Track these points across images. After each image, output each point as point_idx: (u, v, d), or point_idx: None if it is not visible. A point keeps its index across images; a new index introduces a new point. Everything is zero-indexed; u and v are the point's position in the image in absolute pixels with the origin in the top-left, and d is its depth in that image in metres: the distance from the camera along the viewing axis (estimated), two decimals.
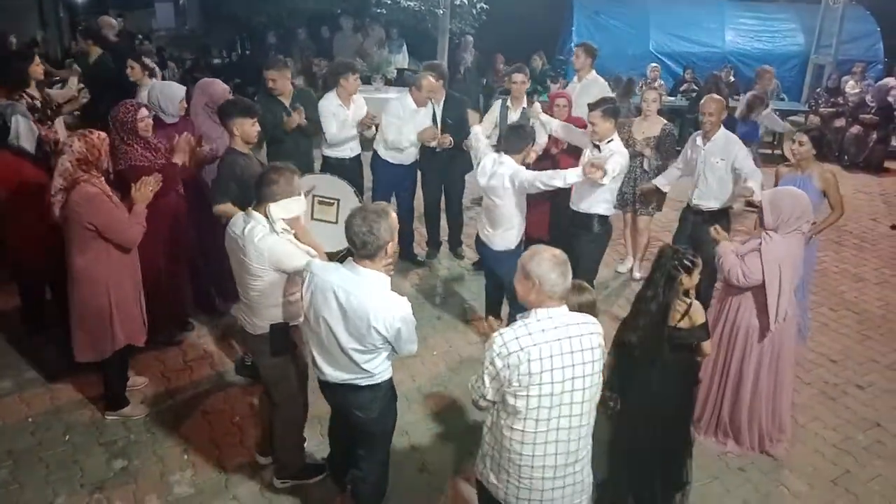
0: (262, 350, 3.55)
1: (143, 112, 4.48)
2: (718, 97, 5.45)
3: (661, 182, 5.76)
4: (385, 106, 6.09)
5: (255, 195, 3.41)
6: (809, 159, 5.00)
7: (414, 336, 3.00)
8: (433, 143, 5.84)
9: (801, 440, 4.39)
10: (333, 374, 3.06)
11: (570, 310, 2.81)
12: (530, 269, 2.60)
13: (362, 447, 3.29)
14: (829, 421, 4.62)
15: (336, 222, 4.50)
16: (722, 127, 5.32)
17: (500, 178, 4.64)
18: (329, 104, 5.83)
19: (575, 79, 6.88)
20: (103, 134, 4.03)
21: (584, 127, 5.83)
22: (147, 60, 6.83)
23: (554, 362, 2.54)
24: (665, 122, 6.12)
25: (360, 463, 3.32)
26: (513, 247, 4.82)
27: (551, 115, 5.73)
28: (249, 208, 3.40)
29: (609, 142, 4.89)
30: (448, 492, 3.89)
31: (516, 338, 2.55)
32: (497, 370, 2.57)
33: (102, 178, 4.00)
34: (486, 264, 5.22)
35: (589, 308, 3.23)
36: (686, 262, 3.43)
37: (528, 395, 2.55)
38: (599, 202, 4.95)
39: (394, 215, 2.91)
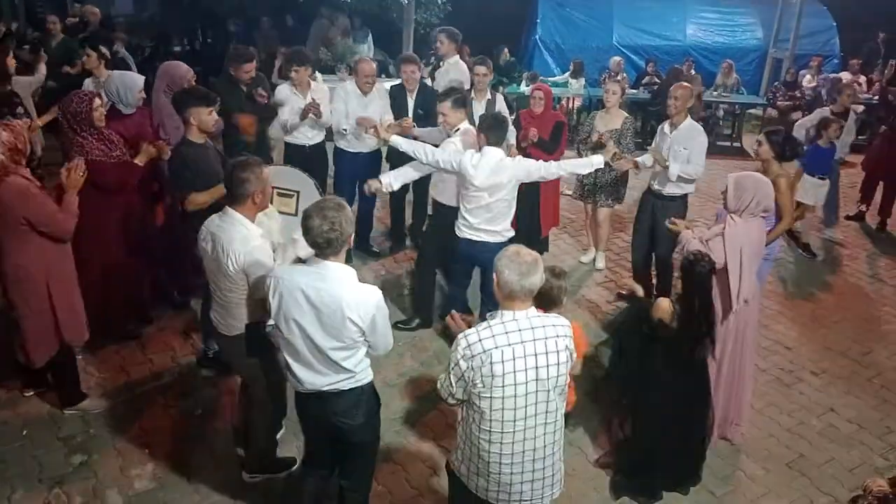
0: (238, 351, 3.49)
1: (97, 101, 4.36)
2: (687, 84, 5.56)
3: (642, 159, 5.64)
4: (332, 94, 6.13)
5: (228, 196, 3.34)
6: (769, 162, 4.82)
7: (389, 327, 2.97)
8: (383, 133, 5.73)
9: (756, 425, 4.50)
10: (314, 381, 2.95)
11: (541, 292, 2.89)
12: (496, 265, 2.64)
13: (350, 457, 3.18)
14: (784, 406, 4.74)
15: (295, 214, 4.47)
16: (689, 116, 5.41)
17: (506, 171, 4.50)
18: (282, 91, 5.91)
19: (443, 63, 6.91)
20: (22, 122, 3.88)
21: (557, 120, 5.91)
22: (103, 49, 6.67)
23: (517, 364, 2.56)
24: (626, 115, 6.20)
25: (348, 473, 3.23)
26: (512, 234, 4.77)
27: (531, 109, 5.98)
28: (227, 208, 3.33)
29: (456, 131, 4.90)
30: (414, 483, 3.91)
31: (480, 340, 2.57)
32: (462, 371, 2.60)
33: (28, 170, 3.84)
34: (479, 263, 4.89)
35: (555, 292, 3.41)
36: (708, 259, 3.55)
37: (491, 397, 2.59)
38: None
39: (348, 207, 2.89)
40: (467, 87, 6.21)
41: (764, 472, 4.13)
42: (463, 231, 4.71)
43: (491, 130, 4.49)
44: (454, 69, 6.59)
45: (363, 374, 3.01)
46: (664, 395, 3.72)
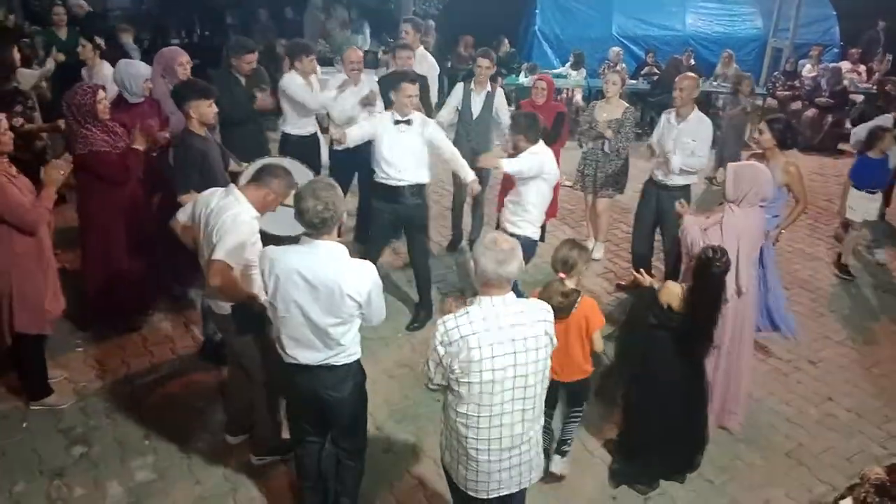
0: (230, 328, 3.53)
1: (102, 94, 4.38)
2: (693, 75, 5.54)
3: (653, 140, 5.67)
4: (325, 85, 6.12)
5: (254, 176, 3.41)
6: (773, 149, 4.82)
7: (382, 301, 3.04)
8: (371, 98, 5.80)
9: (755, 414, 4.51)
10: (309, 358, 3.01)
11: (553, 260, 3.50)
12: (473, 253, 2.66)
13: (339, 425, 3.24)
14: (783, 395, 4.75)
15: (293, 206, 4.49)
16: (696, 107, 5.40)
17: (534, 164, 4.57)
18: (295, 80, 5.83)
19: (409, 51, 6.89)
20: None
21: (558, 111, 5.91)
22: (99, 40, 6.64)
23: (495, 350, 2.57)
24: (627, 105, 6.20)
25: (340, 442, 3.30)
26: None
27: (532, 99, 5.99)
28: (231, 185, 3.38)
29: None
30: (414, 472, 3.92)
31: (457, 326, 2.59)
32: (440, 357, 2.63)
33: (6, 160, 3.79)
34: None
35: (570, 260, 3.57)
36: (724, 260, 3.52)
37: (469, 382, 2.60)
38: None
39: (338, 185, 2.93)
40: (434, 76, 6.30)
41: (762, 460, 4.14)
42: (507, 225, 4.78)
43: (529, 131, 4.58)
44: (422, 60, 6.61)
45: (353, 349, 3.08)
46: (663, 385, 3.73)
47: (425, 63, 6.58)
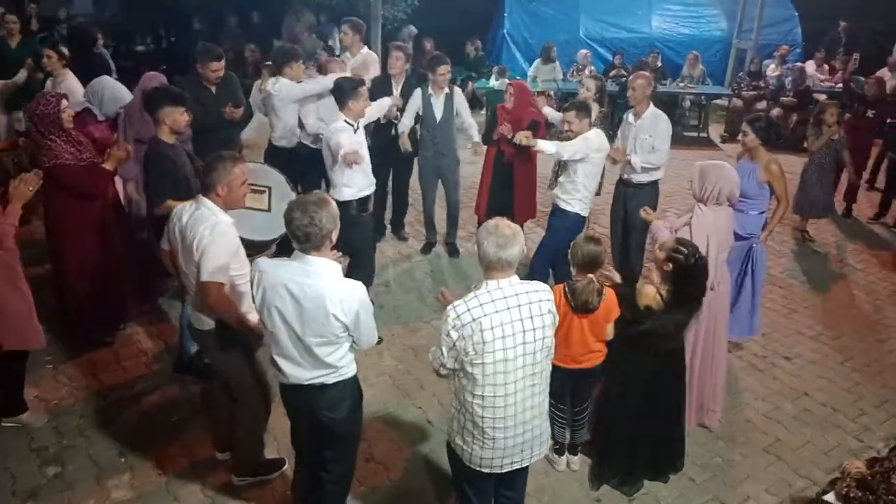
0: (212, 345, 3.45)
1: (65, 102, 4.29)
2: (645, 73, 5.67)
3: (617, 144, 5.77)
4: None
5: (202, 184, 3.33)
6: (757, 149, 4.89)
7: (373, 323, 2.98)
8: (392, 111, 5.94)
9: (733, 411, 4.56)
10: (298, 375, 2.95)
11: (580, 258, 3.59)
12: (477, 237, 2.76)
13: (331, 450, 3.16)
14: (759, 392, 4.81)
15: (268, 210, 4.46)
16: (651, 104, 5.48)
17: (580, 148, 4.97)
18: (287, 84, 5.75)
19: (347, 54, 6.89)
20: None
21: (533, 119, 5.99)
22: (63, 49, 6.50)
23: (505, 330, 2.67)
24: (601, 108, 6.24)
25: (329, 466, 3.20)
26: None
27: (506, 107, 5.95)
28: (199, 195, 3.30)
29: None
30: (402, 484, 3.89)
31: (468, 310, 2.67)
32: (453, 341, 2.70)
33: None
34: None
35: (598, 256, 3.62)
36: (698, 258, 3.56)
37: (483, 363, 2.69)
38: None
39: (334, 203, 2.87)
40: (373, 76, 6.34)
41: (742, 457, 4.19)
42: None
43: (580, 111, 5.07)
44: (367, 59, 6.65)
45: (347, 369, 3.02)
46: (642, 384, 3.75)
47: (370, 60, 6.66)
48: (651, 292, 3.65)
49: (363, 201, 4.99)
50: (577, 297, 3.54)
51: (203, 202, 3.27)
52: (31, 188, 3.76)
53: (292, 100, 5.76)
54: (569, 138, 5.09)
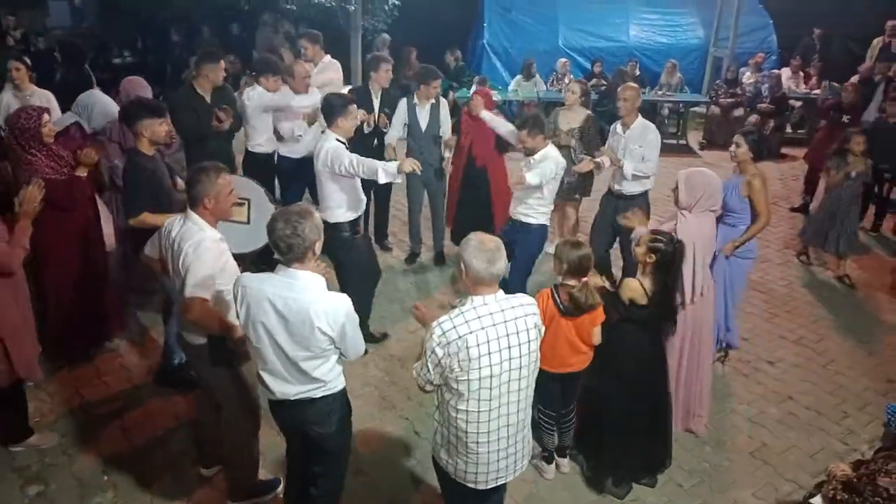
0: (203, 360, 3.40)
1: (46, 117, 4.23)
2: (634, 85, 5.70)
3: (602, 160, 5.75)
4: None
5: (188, 196, 3.27)
6: (747, 161, 4.81)
7: (360, 335, 2.96)
8: (365, 124, 5.87)
9: (718, 416, 4.59)
10: (285, 391, 2.92)
11: (569, 263, 3.55)
12: (461, 254, 2.71)
13: (321, 465, 3.14)
14: (744, 396, 4.85)
15: (247, 222, 4.44)
16: (639, 115, 5.53)
17: (548, 168, 4.93)
18: (261, 93, 5.84)
19: (311, 64, 6.85)
20: None
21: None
22: (27, 62, 6.38)
23: (491, 346, 2.65)
24: (589, 112, 6.29)
25: (318, 480, 3.17)
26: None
27: (473, 114, 5.99)
28: (188, 209, 3.26)
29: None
30: (385, 493, 3.86)
31: (454, 327, 2.64)
32: (439, 358, 2.67)
33: None
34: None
35: (587, 260, 3.59)
36: (676, 243, 3.69)
37: (468, 379, 2.66)
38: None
39: (318, 214, 2.85)
40: (338, 81, 6.57)
41: (728, 462, 4.21)
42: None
43: (534, 127, 4.94)
44: (331, 68, 6.84)
45: (335, 382, 2.99)
46: (629, 377, 3.79)
47: (333, 69, 6.83)
48: (634, 285, 3.72)
49: (355, 223, 4.88)
50: (579, 302, 3.55)
51: (191, 217, 3.23)
52: (35, 205, 3.69)
53: (262, 109, 5.81)
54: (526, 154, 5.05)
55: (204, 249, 3.14)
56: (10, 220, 3.71)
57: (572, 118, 6.20)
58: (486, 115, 5.82)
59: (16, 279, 3.72)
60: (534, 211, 5.05)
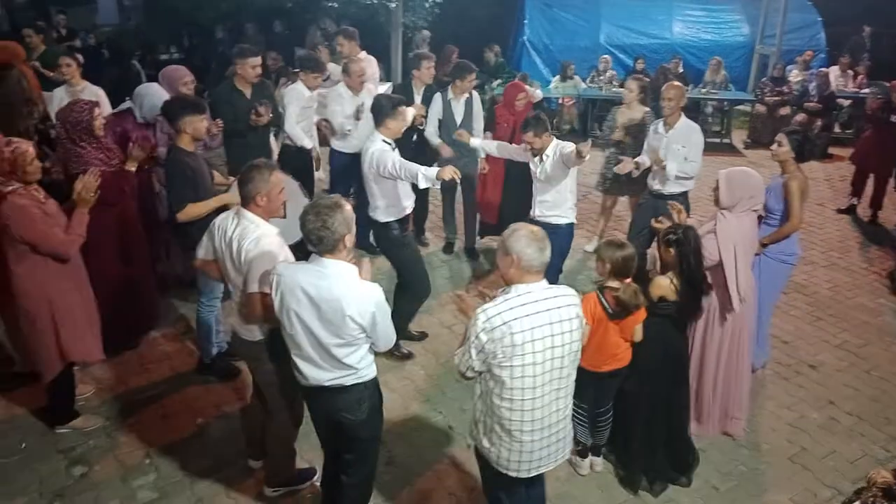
0: (260, 356, 3.43)
1: (97, 110, 4.35)
2: (679, 84, 5.61)
3: (641, 159, 5.68)
4: (326, 97, 6.25)
5: (241, 195, 3.31)
6: (788, 161, 4.65)
7: (390, 324, 2.99)
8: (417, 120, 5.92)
9: (757, 419, 4.52)
10: (318, 377, 2.98)
11: (613, 264, 3.54)
12: (509, 244, 2.75)
13: (352, 453, 3.18)
14: (784, 400, 4.76)
15: (283, 216, 4.50)
16: (682, 115, 5.45)
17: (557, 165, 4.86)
18: (300, 91, 5.98)
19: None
20: (16, 144, 3.67)
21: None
22: (80, 58, 6.56)
23: (535, 334, 2.68)
24: (647, 109, 6.24)
25: (349, 469, 3.22)
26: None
27: (514, 109, 6.05)
28: (239, 207, 3.31)
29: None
30: (417, 485, 3.89)
31: (499, 313, 2.67)
32: (483, 343, 2.69)
33: (35, 187, 3.72)
34: None
35: (631, 260, 3.59)
36: (687, 228, 3.74)
37: (511, 366, 2.70)
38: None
39: (348, 207, 2.89)
40: (376, 76, 6.64)
41: (766, 466, 4.14)
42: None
43: (537, 128, 4.81)
44: (369, 64, 6.85)
45: (366, 371, 3.04)
46: (654, 382, 3.78)
47: (370, 65, 6.87)
48: (664, 283, 3.72)
49: (404, 221, 4.85)
50: (626, 304, 3.53)
51: (244, 215, 3.27)
52: (91, 193, 3.80)
53: (291, 104, 5.91)
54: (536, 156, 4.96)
55: (266, 244, 3.19)
56: (67, 209, 3.84)
57: (630, 114, 6.22)
58: (476, 141, 5.73)
59: (75, 265, 3.86)
60: (560, 209, 4.98)
